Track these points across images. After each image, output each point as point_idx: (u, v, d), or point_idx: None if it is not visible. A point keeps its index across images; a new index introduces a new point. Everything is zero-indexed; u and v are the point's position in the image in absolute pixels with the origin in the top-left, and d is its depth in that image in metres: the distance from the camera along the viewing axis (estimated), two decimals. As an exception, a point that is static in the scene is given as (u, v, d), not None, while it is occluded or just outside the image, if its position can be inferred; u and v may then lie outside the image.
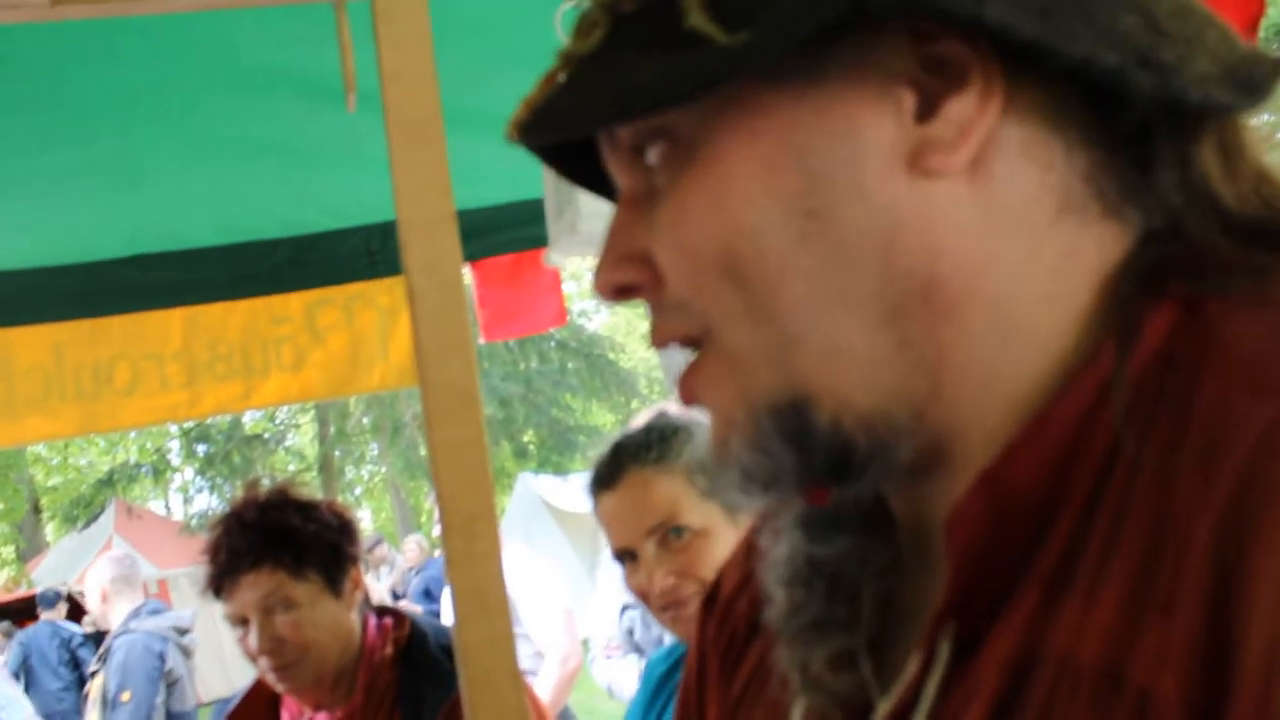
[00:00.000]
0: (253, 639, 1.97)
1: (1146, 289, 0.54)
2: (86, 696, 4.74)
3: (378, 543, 12.63)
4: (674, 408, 1.86)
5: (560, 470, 15.83)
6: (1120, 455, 0.51)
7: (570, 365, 16.78)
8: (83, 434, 2.98)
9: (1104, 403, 0.52)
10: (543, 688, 4.19)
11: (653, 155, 0.60)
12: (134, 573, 4.93)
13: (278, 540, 1.98)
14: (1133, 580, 0.48)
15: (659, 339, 0.63)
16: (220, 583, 1.99)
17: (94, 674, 4.76)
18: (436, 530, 4.92)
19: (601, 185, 0.70)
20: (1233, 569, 0.44)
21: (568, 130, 0.59)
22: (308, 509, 2.04)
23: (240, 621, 1.99)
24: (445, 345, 1.52)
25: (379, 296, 3.06)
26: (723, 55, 0.52)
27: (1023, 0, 0.51)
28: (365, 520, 30.11)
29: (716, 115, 0.57)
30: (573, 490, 14.28)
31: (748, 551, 0.84)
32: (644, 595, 1.75)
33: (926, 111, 0.55)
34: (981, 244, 0.56)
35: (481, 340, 3.26)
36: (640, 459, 1.73)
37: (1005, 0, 0.51)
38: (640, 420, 1.84)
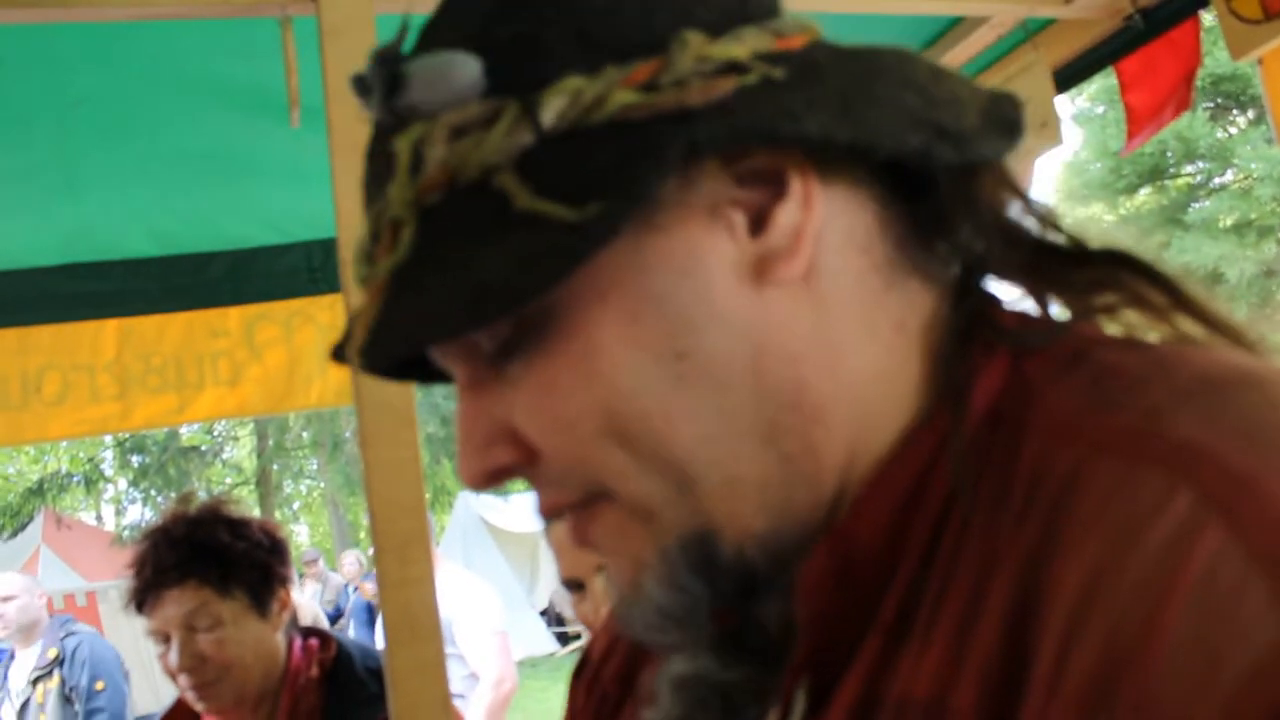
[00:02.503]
0: (174, 656, 1.92)
1: (965, 344, 0.58)
2: (27, 705, 4.61)
3: (316, 559, 12.50)
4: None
5: (500, 490, 15.75)
6: (953, 511, 0.54)
7: (515, 384, 16.69)
8: (9, 445, 2.92)
9: (938, 463, 0.55)
10: (476, 710, 4.16)
11: (490, 339, 0.58)
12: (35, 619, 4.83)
13: (205, 556, 1.93)
14: (960, 619, 0.50)
15: (550, 511, 0.62)
16: (144, 597, 1.94)
17: (37, 680, 4.64)
18: (373, 548, 4.86)
19: (409, 372, 0.68)
20: (1033, 588, 0.47)
21: (425, 342, 0.55)
22: (238, 526, 2.00)
23: (162, 638, 1.95)
24: (382, 366, 1.52)
25: (319, 313, 3.03)
26: (574, 231, 0.51)
27: (827, 106, 0.54)
28: (303, 535, 29.76)
29: (562, 286, 0.54)
30: (513, 510, 14.24)
31: (614, 618, 0.85)
32: (590, 625, 1.74)
33: (758, 226, 0.57)
34: (828, 339, 0.58)
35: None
36: None
37: (816, 111, 0.53)
38: None
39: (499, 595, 4.76)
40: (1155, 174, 19.49)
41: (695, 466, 0.57)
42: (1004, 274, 0.61)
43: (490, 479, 0.60)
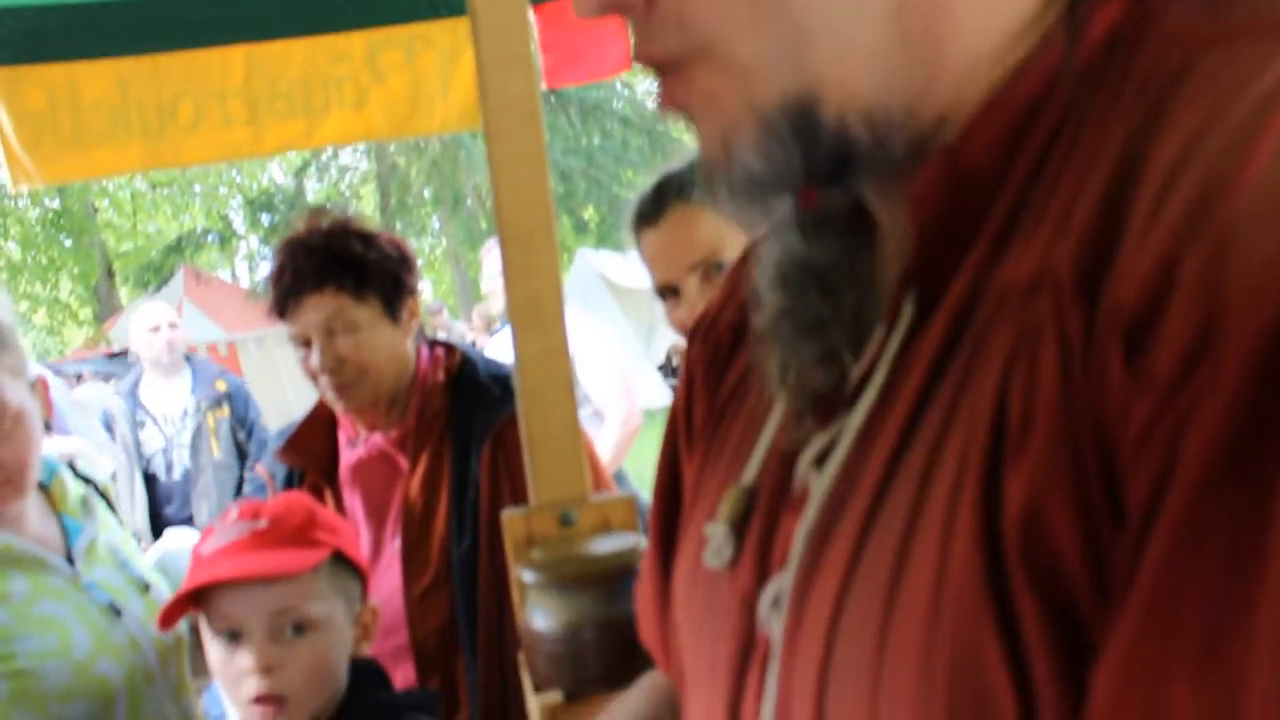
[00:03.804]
0: (315, 358, 2.03)
1: None
2: (199, 429, 4.98)
3: (440, 310, 12.86)
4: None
5: (619, 246, 15.84)
6: (1065, 127, 0.55)
7: (633, 141, 16.56)
8: (149, 168, 3.02)
9: (1055, 86, 0.56)
10: (604, 446, 4.20)
11: None
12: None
13: (340, 264, 2.01)
14: (1065, 209, 0.52)
15: (643, 57, 0.62)
16: (285, 304, 2.04)
17: (209, 411, 4.98)
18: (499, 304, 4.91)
19: None
20: (1135, 158, 0.49)
21: None
22: (368, 238, 2.07)
23: (303, 342, 2.05)
24: (507, 60, 1.51)
25: (440, 38, 3.01)
26: None
27: None
28: (426, 292, 30.58)
29: None
30: (631, 266, 14.35)
31: (730, 275, 0.89)
32: (686, 330, 1.78)
33: None
34: None
35: (544, 86, 3.21)
36: (684, 195, 1.72)
37: None
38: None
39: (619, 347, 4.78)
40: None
41: (813, 23, 0.57)
42: None
43: (602, 7, 0.61)
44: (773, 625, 0.64)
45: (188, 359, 5.19)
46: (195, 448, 4.91)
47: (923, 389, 0.57)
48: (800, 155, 0.59)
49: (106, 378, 12.68)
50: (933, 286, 0.58)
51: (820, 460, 0.64)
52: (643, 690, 1.01)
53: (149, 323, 5.03)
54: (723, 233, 1.70)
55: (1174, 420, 0.43)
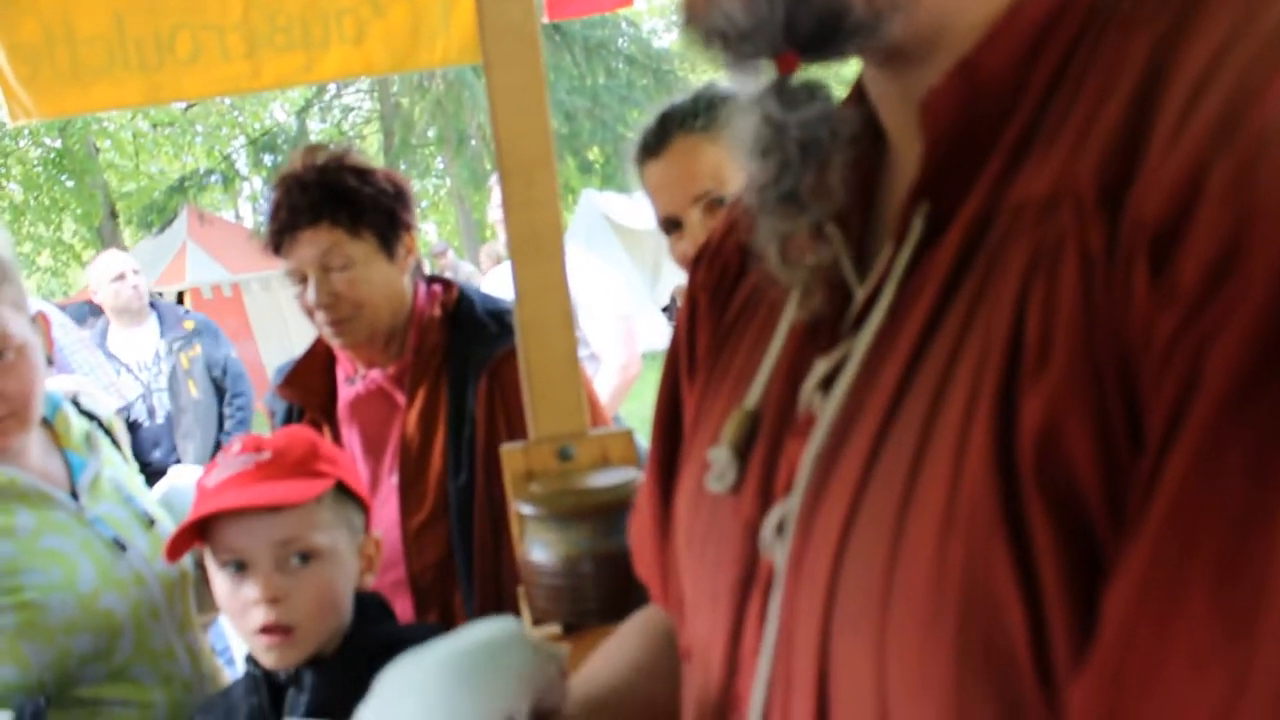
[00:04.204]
0: (310, 294, 2.02)
1: None
2: (174, 371, 5.00)
3: (445, 250, 12.83)
4: (723, 80, 1.82)
5: (624, 188, 15.73)
6: (1085, 38, 0.54)
7: (638, 81, 16.41)
8: (148, 103, 2.98)
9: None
10: (601, 392, 4.09)
11: None
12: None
13: (336, 199, 1.99)
14: (1085, 122, 0.51)
15: None
16: (280, 240, 2.02)
17: (180, 352, 5.00)
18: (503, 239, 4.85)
19: None
20: (1160, 67, 0.48)
21: None
22: (364, 174, 2.05)
23: (299, 278, 2.04)
24: (504, -12, 1.49)
25: (441, -31, 2.97)
26: None
27: None
28: (431, 233, 30.48)
29: None
30: (636, 207, 14.28)
31: (735, 201, 0.85)
32: (689, 264, 1.77)
33: None
34: None
35: (545, 19, 3.16)
36: (687, 126, 1.72)
37: None
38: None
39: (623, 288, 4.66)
40: None
41: None
42: None
43: None
44: (776, 551, 0.63)
45: (151, 304, 5.18)
46: (174, 390, 4.93)
47: (934, 308, 0.56)
48: (785, 11, 0.57)
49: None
50: (944, 203, 0.58)
51: (826, 384, 0.64)
52: (636, 625, 0.99)
53: (112, 271, 4.98)
54: (725, 166, 1.69)
55: (1199, 335, 0.42)
